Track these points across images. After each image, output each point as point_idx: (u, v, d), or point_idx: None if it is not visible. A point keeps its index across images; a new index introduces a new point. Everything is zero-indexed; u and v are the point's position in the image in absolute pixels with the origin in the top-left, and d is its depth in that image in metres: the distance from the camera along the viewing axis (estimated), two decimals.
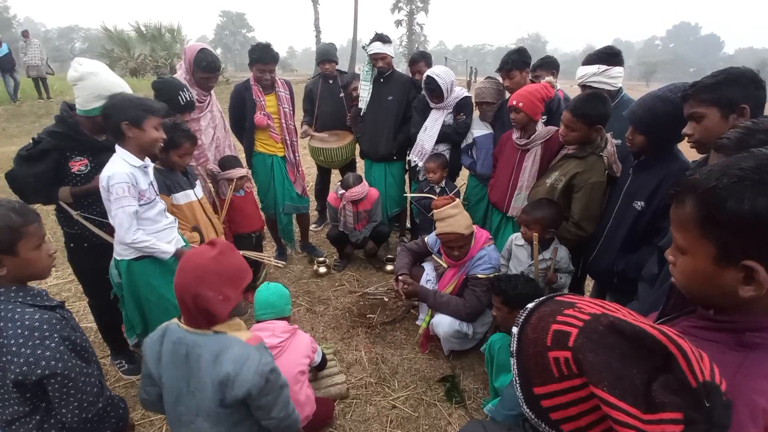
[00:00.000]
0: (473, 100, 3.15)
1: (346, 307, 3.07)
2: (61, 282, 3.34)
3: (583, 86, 2.41)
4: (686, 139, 1.48)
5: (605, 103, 2.08)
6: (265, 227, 3.54)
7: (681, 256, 0.73)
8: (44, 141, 1.88)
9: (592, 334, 0.59)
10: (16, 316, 1.14)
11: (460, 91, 3.14)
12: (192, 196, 2.39)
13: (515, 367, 0.68)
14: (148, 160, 1.92)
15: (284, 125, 3.18)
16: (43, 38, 56.01)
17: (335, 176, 4.25)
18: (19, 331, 1.12)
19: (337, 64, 3.70)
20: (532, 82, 3.10)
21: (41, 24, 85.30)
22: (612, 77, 2.35)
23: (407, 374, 2.43)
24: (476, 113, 3.18)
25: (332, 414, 2.10)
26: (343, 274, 3.54)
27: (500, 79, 2.94)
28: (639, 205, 1.85)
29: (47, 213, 3.49)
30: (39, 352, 1.12)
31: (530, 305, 0.70)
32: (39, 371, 1.12)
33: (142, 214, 1.85)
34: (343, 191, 3.27)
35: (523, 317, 0.69)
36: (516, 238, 2.38)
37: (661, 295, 1.32)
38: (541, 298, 0.71)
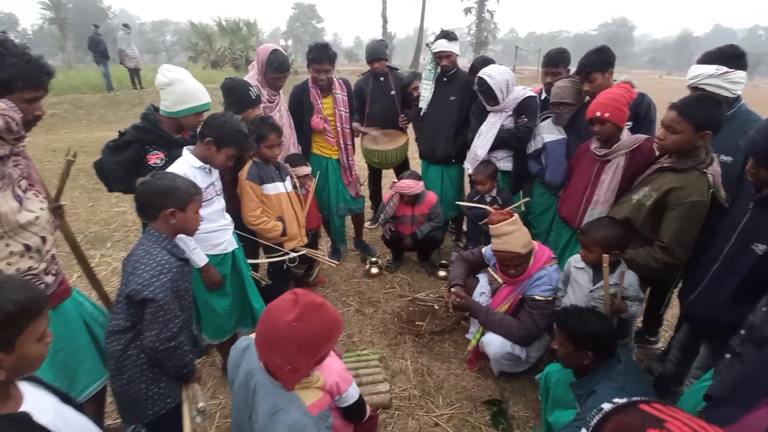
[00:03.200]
0: (540, 100, 2.90)
1: (396, 312, 3.04)
2: None
3: (694, 88, 2.09)
4: None
5: (720, 108, 1.79)
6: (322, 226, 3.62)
7: None
8: (128, 133, 2.10)
9: None
10: (154, 252, 1.48)
11: (522, 91, 2.89)
12: (281, 188, 2.59)
13: None
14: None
15: (339, 129, 3.17)
16: (138, 30, 61.72)
17: (386, 177, 4.20)
18: (150, 262, 1.45)
19: (387, 61, 3.58)
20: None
21: (135, 17, 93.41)
22: (732, 82, 1.99)
23: (453, 391, 2.34)
24: (539, 119, 2.92)
25: (376, 424, 2.07)
26: (395, 276, 3.50)
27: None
28: (761, 249, 1.53)
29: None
30: (153, 280, 1.41)
31: (606, 407, 0.59)
32: (145, 293, 1.39)
33: None
34: (396, 181, 3.27)
35: (596, 421, 0.58)
36: (576, 261, 2.13)
37: None
38: (622, 402, 0.59)
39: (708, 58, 2.08)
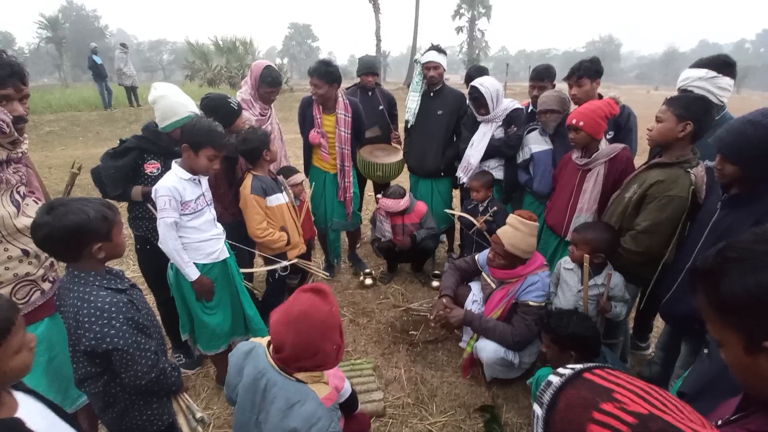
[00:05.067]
0: (528, 113, 3.01)
1: (389, 322, 3.05)
2: (136, 275, 3.68)
3: (683, 91, 2.19)
4: None
5: (705, 105, 1.87)
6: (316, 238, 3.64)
7: (721, 349, 0.67)
8: (129, 141, 2.19)
9: None
10: (91, 298, 1.30)
11: (510, 103, 3.02)
12: (282, 199, 2.66)
13: None
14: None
15: (338, 148, 3.16)
16: (135, 50, 62.09)
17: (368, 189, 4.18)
18: (92, 311, 1.29)
19: (378, 76, 3.70)
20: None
21: (133, 36, 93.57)
22: (719, 87, 2.10)
23: (446, 398, 2.35)
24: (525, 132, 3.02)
25: (368, 425, 2.08)
26: (389, 286, 3.53)
27: (565, 90, 2.78)
28: None
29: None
30: (105, 330, 1.28)
31: (554, 380, 0.62)
32: (104, 346, 1.28)
33: (186, 222, 1.99)
34: (380, 196, 3.35)
35: (548, 397, 0.61)
36: (565, 262, 2.22)
37: None
38: (567, 373, 0.62)
39: (700, 64, 2.19)
